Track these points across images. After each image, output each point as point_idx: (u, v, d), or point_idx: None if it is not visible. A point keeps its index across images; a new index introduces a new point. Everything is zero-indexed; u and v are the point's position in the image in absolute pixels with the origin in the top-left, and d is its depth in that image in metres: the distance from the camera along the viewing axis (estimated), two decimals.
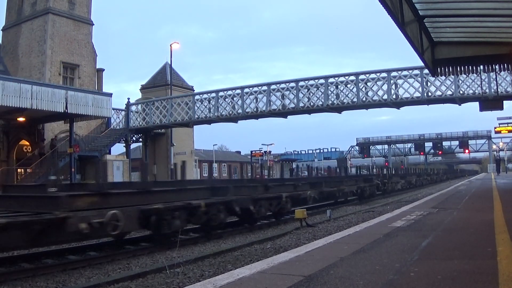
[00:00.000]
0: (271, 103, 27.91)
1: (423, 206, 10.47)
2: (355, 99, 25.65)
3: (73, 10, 32.86)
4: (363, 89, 25.64)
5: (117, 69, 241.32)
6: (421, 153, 78.91)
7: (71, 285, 6.20)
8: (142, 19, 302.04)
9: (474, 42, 12.62)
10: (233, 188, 11.16)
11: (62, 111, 22.59)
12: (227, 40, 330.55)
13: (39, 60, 31.02)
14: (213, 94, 30.41)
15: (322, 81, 26.69)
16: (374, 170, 32.30)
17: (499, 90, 21.24)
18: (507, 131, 33.90)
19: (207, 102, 30.67)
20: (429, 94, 24.12)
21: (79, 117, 25.66)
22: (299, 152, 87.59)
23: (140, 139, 37.16)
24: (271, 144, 61.57)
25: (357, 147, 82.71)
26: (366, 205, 18.69)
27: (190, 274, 6.21)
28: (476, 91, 22.66)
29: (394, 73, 24.92)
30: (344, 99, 26.10)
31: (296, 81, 27.38)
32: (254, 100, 28.54)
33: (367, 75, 25.58)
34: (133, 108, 34.98)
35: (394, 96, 24.90)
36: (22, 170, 26.88)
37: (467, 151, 75.76)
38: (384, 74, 25.17)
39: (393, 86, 24.83)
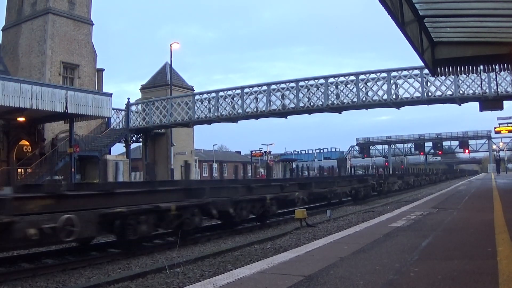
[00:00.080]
0: (271, 103, 27.92)
1: (423, 206, 10.47)
2: (355, 99, 25.65)
3: (73, 10, 32.88)
4: (363, 89, 25.65)
5: (117, 69, 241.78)
6: (421, 153, 78.88)
7: (71, 285, 6.20)
8: (142, 19, 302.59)
9: (474, 42, 12.61)
10: (211, 190, 10.49)
11: (62, 111, 22.65)
12: (227, 40, 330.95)
13: (39, 60, 31.04)
14: (213, 94, 30.41)
15: (322, 81, 26.70)
16: (374, 170, 32.30)
17: (499, 90, 21.25)
18: (507, 131, 33.90)
19: (207, 102, 30.67)
20: (429, 94, 24.12)
21: (79, 117, 25.70)
22: (299, 152, 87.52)
23: (140, 139, 37.16)
24: (271, 144, 61.73)
25: (357, 147, 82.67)
26: (366, 205, 18.68)
27: (190, 274, 6.22)
28: (476, 91, 22.67)
29: (394, 73, 24.93)
30: (344, 99, 26.11)
31: (296, 81, 27.38)
32: (254, 100, 28.55)
33: (367, 75, 25.59)
34: (133, 108, 34.98)
35: (394, 96, 24.91)
36: (22, 170, 26.86)
37: (467, 151, 75.71)
38: (384, 74, 25.18)
39: (393, 86, 24.84)
